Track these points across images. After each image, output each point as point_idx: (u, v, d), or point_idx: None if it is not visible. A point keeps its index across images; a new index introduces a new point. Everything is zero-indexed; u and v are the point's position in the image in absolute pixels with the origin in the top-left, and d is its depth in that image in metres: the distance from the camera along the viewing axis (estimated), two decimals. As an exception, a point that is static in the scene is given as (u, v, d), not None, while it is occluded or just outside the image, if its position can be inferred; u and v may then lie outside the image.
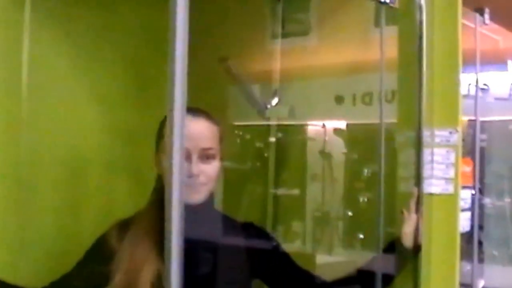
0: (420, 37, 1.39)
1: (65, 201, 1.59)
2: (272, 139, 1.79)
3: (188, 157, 1.26)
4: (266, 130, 1.80)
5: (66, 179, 1.61)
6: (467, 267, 1.77)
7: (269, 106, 1.69)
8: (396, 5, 1.37)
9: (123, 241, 1.29)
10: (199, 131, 1.30)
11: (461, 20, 1.38)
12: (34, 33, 1.48)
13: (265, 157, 1.81)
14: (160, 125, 1.35)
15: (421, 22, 1.39)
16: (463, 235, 1.51)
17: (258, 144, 1.81)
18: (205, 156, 1.29)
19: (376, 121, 1.45)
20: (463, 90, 1.76)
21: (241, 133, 1.82)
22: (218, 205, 1.77)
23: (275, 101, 1.69)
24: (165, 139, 1.34)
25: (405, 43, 1.44)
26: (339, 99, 1.73)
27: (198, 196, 1.30)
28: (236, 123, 1.83)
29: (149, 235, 1.27)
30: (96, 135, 1.66)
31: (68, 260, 1.33)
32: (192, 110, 1.33)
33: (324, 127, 1.76)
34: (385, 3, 1.32)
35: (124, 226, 1.32)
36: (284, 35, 1.81)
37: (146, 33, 1.74)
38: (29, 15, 1.46)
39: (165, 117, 1.35)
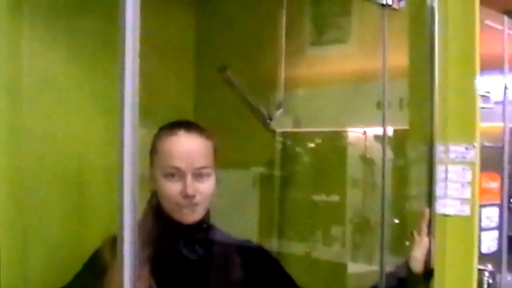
0: (432, 42, 1.27)
1: (69, 209, 1.57)
2: (312, 145, 1.71)
3: (182, 177, 1.22)
4: (305, 136, 1.72)
5: (70, 187, 1.58)
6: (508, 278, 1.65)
7: (274, 117, 1.60)
8: (402, 8, 1.25)
9: (116, 257, 1.25)
10: (193, 149, 1.25)
11: (478, 22, 1.24)
12: (32, 42, 1.46)
13: (305, 163, 1.74)
14: (153, 140, 1.30)
15: (432, 26, 1.26)
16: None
17: (298, 150, 1.74)
18: (200, 175, 1.25)
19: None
20: (498, 96, 1.63)
21: (281, 139, 1.75)
22: (255, 210, 1.74)
23: (279, 112, 1.60)
24: (155, 155, 1.30)
25: (416, 48, 1.32)
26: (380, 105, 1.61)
27: (194, 216, 1.26)
28: (277, 130, 1.76)
29: (141, 251, 1.22)
30: (99, 142, 1.63)
31: (73, 269, 1.31)
32: (184, 125, 1.27)
33: (365, 134, 1.66)
34: (387, 5, 1.20)
35: (116, 242, 1.27)
36: (322, 42, 1.72)
37: (147, 42, 1.69)
38: (28, 24, 1.44)
39: (159, 130, 1.31)
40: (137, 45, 0.78)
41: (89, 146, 1.62)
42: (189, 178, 1.22)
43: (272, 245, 1.78)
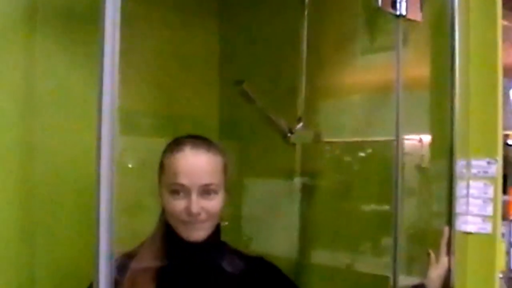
0: (453, 52, 1.23)
1: (80, 231, 1.50)
2: (362, 154, 1.66)
3: (187, 194, 1.19)
4: (356, 145, 1.67)
5: (82, 208, 1.57)
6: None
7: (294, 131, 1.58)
8: (418, 19, 1.21)
9: (124, 276, 1.23)
10: (198, 166, 1.21)
11: (500, 32, 1.20)
12: (46, 55, 1.46)
13: (356, 172, 1.69)
14: (161, 156, 1.28)
15: (453, 37, 1.22)
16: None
17: (347, 159, 1.70)
18: (206, 191, 1.21)
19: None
20: None
21: (330, 148, 1.72)
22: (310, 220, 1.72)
23: (300, 126, 1.58)
24: (161, 171, 1.25)
25: (436, 59, 1.28)
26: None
27: (200, 234, 1.22)
28: (327, 140, 1.73)
29: (147, 272, 1.22)
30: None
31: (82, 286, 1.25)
32: (191, 140, 1.24)
33: (421, 141, 1.59)
34: (401, 16, 1.17)
35: (126, 259, 1.25)
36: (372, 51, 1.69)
37: (172, 56, 1.72)
38: (41, 37, 1.45)
39: (166, 146, 1.30)
40: (117, 54, 0.76)
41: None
42: (194, 195, 1.18)
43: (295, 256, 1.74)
